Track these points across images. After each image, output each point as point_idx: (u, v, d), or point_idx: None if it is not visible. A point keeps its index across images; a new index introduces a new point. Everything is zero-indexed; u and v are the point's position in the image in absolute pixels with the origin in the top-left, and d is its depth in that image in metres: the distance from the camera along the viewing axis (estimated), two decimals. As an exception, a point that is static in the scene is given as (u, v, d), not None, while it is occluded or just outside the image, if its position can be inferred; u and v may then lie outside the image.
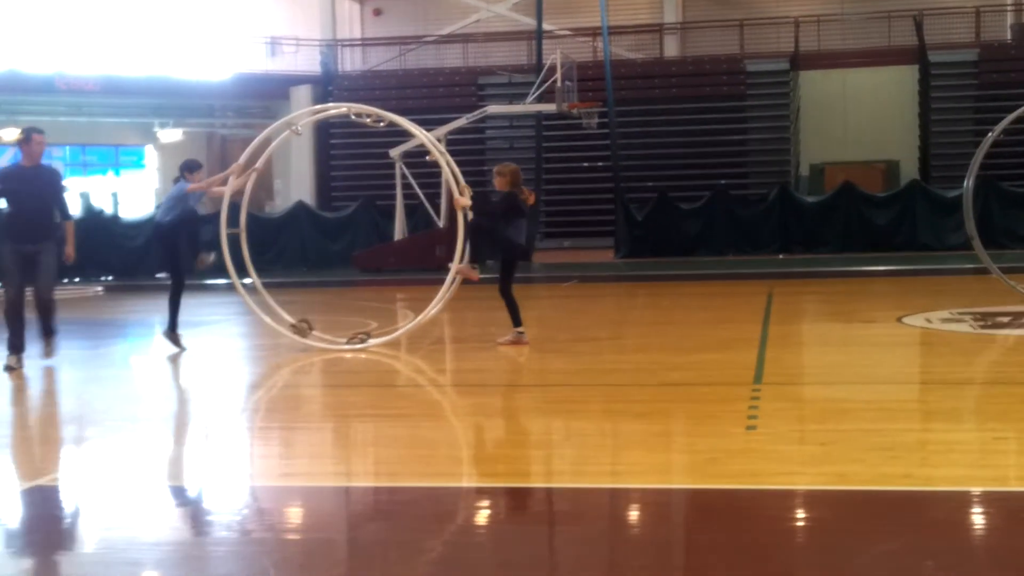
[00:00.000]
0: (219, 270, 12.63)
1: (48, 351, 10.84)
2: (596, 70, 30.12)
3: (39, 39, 31.09)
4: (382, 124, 12.21)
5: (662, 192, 27.50)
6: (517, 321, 11.47)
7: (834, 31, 33.40)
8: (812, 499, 5.57)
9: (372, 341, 11.71)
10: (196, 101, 34.16)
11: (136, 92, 32.16)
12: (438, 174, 11.90)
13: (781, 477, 5.91)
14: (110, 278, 24.88)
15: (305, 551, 4.96)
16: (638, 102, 32.07)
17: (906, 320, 12.86)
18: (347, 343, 11.64)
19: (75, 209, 26.07)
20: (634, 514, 5.60)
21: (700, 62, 33.64)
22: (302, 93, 33.02)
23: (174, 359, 11.44)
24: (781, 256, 25.88)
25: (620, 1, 34.04)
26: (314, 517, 5.63)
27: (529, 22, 32.06)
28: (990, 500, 5.47)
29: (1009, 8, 33.40)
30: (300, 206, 28.24)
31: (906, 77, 31.61)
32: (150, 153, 35.90)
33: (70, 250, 10.84)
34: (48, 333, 10.80)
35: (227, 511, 5.76)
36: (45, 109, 31.23)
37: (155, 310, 18.05)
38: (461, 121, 25.58)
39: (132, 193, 34.32)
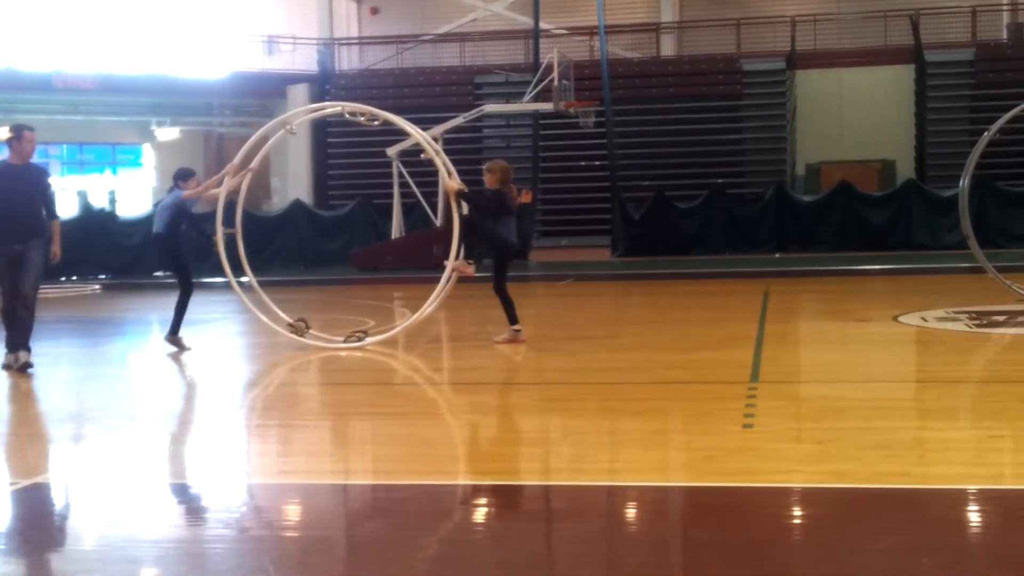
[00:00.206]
0: (216, 269, 12.63)
1: (14, 360, 10.27)
2: (593, 69, 30.13)
3: (36, 37, 31.05)
4: (376, 123, 12.22)
5: (659, 191, 27.52)
6: (513, 319, 11.49)
7: (830, 30, 33.43)
8: (809, 497, 5.59)
9: (369, 339, 11.72)
10: (193, 100, 34.13)
11: (133, 90, 32.13)
12: (435, 173, 11.91)
13: (778, 475, 5.92)
14: (107, 276, 24.86)
15: (303, 548, 4.98)
16: (635, 101, 32.09)
17: (902, 319, 12.88)
18: (344, 341, 11.65)
19: (71, 208, 26.25)
20: (631, 511, 5.61)
21: (697, 61, 33.66)
22: (299, 92, 33.01)
23: (172, 357, 11.44)
24: (777, 255, 25.90)
25: (617, 0, 34.04)
26: (312, 514, 5.64)
27: (526, 21, 32.06)
28: (986, 498, 5.49)
29: (1005, 8, 33.42)
30: (297, 205, 28.23)
31: (902, 76, 31.63)
32: (147, 151, 35.89)
33: (56, 249, 10.63)
34: (17, 344, 10.24)
35: (225, 508, 5.77)
36: (42, 107, 31.19)
37: (152, 308, 18.09)
38: (458, 120, 25.58)
39: (129, 191, 34.33)
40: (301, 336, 11.72)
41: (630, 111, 31.58)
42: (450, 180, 11.52)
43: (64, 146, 34.76)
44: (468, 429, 7.79)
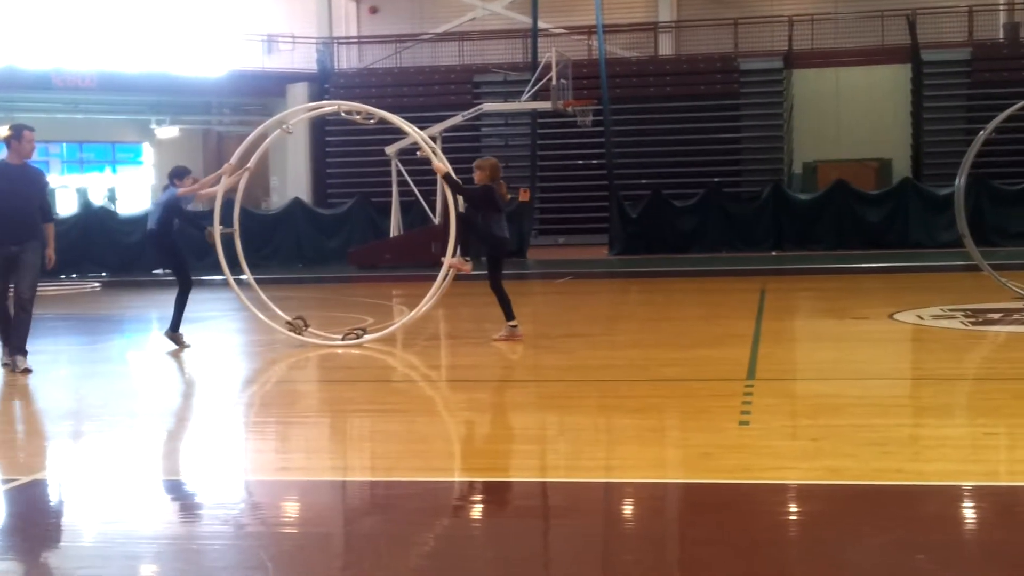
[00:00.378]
0: (215, 266, 12.66)
1: (12, 363, 10.17)
2: (591, 68, 30.17)
3: (36, 35, 31.06)
4: (372, 121, 12.24)
5: (656, 189, 27.56)
6: (509, 315, 11.52)
7: (827, 30, 33.48)
8: (804, 494, 5.62)
9: (367, 337, 11.75)
10: (193, 98, 34.16)
11: (133, 89, 32.15)
12: (433, 171, 11.91)
13: (774, 472, 5.95)
14: (106, 274, 24.88)
15: (302, 544, 5.00)
16: (633, 100, 32.12)
17: (898, 317, 12.91)
18: (343, 339, 11.68)
19: (71, 206, 26.27)
20: (628, 508, 5.65)
21: (694, 60, 33.69)
22: (298, 90, 33.04)
23: (172, 355, 11.46)
24: (774, 253, 25.94)
25: (615, 0, 34.06)
26: (310, 511, 5.67)
27: (524, 20, 32.11)
28: (981, 495, 5.52)
29: (1001, 7, 33.48)
30: (296, 203, 28.26)
31: (899, 76, 31.68)
32: (147, 150, 35.91)
33: (51, 252, 10.50)
34: (15, 347, 10.16)
35: (224, 505, 5.79)
36: (42, 106, 31.22)
37: (151, 306, 18.11)
38: (457, 119, 25.61)
39: (129, 189, 34.36)
40: (299, 334, 11.74)
41: (628, 110, 31.61)
42: (437, 160, 11.49)
43: (64, 144, 34.79)
44: (465, 426, 7.82)
